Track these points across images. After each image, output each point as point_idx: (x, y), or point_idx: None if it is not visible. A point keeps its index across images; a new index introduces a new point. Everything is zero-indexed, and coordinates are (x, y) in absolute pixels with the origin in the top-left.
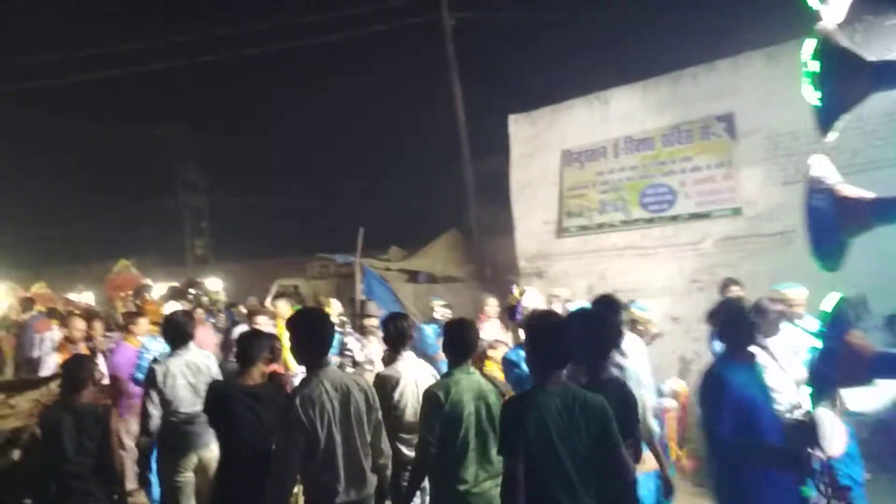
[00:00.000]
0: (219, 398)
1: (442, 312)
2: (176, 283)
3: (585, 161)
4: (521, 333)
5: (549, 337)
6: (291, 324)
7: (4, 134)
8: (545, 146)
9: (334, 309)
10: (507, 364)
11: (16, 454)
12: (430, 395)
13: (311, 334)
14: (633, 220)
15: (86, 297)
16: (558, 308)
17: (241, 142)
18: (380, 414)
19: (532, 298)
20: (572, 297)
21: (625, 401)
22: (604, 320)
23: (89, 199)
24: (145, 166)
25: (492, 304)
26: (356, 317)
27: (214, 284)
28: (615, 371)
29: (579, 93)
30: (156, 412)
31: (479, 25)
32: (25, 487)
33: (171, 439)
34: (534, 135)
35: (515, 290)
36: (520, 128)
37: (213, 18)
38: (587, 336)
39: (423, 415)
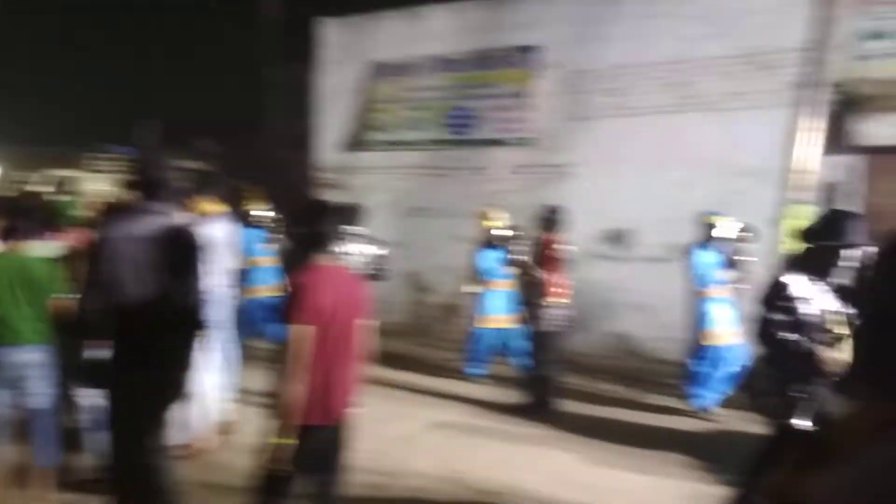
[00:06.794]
0: None
1: None
2: None
3: (396, 76)
4: None
5: None
6: None
7: None
8: (355, 56)
9: None
10: None
11: None
12: None
13: None
14: (435, 140)
15: None
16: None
17: (25, 19)
18: None
19: None
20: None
21: None
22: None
23: None
24: None
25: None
26: None
27: None
28: None
29: (397, 4)
30: None
31: None
32: None
33: None
34: (345, 43)
35: None
36: (330, 34)
37: None
38: None
39: None
